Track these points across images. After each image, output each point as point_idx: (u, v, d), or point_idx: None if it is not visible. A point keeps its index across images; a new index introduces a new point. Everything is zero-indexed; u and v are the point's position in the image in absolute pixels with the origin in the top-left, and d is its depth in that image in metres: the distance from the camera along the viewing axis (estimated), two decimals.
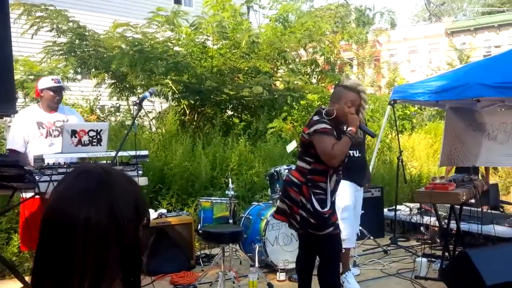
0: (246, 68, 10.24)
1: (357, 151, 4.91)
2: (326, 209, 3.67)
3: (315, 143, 3.63)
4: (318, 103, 11.33)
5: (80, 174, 1.20)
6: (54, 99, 4.69)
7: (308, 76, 12.41)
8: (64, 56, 9.01)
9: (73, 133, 4.17)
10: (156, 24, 9.51)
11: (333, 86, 12.79)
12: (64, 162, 4.19)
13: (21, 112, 4.77)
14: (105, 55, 8.68)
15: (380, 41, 22.94)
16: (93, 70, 9.26)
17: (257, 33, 10.66)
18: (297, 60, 12.18)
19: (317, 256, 3.96)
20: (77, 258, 1.10)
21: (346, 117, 3.71)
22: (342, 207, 4.80)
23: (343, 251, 4.64)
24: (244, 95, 9.28)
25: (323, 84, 12.37)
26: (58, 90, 4.72)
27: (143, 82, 8.92)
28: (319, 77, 12.94)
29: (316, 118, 3.73)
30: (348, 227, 4.83)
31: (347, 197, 4.87)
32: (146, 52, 8.57)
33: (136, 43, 8.75)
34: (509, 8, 33.74)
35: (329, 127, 3.63)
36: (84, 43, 8.94)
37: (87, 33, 9.06)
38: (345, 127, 3.75)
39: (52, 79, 4.73)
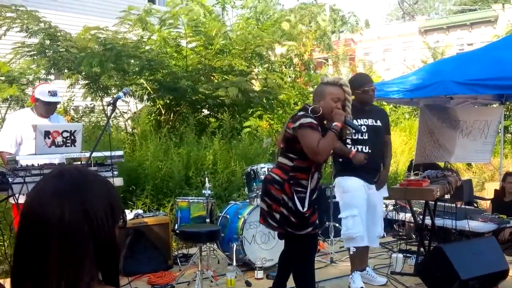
0: (221, 67, 10.21)
1: (367, 147, 4.63)
2: (305, 209, 3.63)
3: (300, 138, 3.57)
4: (295, 100, 11.39)
5: (55, 175, 1.22)
6: (48, 111, 4.75)
7: (283, 74, 12.45)
8: (33, 58, 8.88)
9: (46, 134, 4.11)
10: (129, 23, 9.42)
11: (309, 85, 12.91)
12: (38, 164, 4.13)
13: (15, 113, 4.92)
14: (76, 56, 8.57)
15: (354, 39, 23.14)
16: (65, 71, 9.14)
17: (231, 26, 10.66)
18: (272, 58, 12.20)
19: (292, 256, 3.87)
20: (52, 257, 1.12)
21: (332, 111, 3.67)
22: (352, 204, 4.59)
23: (354, 250, 4.70)
24: (220, 94, 9.26)
25: (298, 81, 12.43)
26: (52, 105, 4.75)
27: (117, 82, 8.83)
28: (295, 76, 13.00)
29: (301, 113, 3.69)
30: (358, 224, 4.55)
31: (356, 193, 4.61)
32: (116, 49, 8.48)
33: (107, 42, 8.66)
34: (481, 7, 34.31)
35: (315, 122, 3.59)
36: (56, 44, 8.82)
37: (58, 34, 8.94)
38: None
39: (49, 92, 4.70)
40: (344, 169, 4.68)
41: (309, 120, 3.57)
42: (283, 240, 3.91)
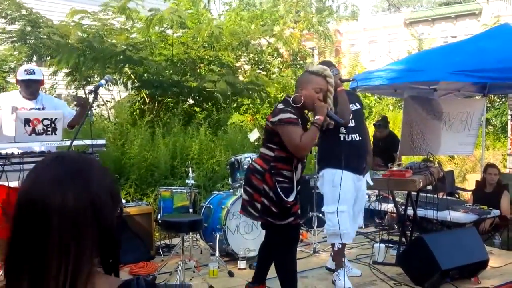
0: (208, 57, 10.15)
1: (357, 135, 4.44)
2: (290, 199, 3.61)
3: (281, 134, 3.56)
4: (281, 94, 11.35)
5: (55, 159, 1.18)
6: (27, 90, 4.62)
7: (270, 65, 12.41)
8: (13, 45, 8.75)
9: (27, 121, 4.06)
10: (112, 11, 9.29)
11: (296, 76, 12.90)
12: (18, 152, 4.07)
13: (1, 95, 4.83)
14: (58, 44, 8.43)
15: (340, 31, 23.14)
16: (48, 58, 9.02)
17: (219, 23, 10.58)
18: (259, 49, 12.15)
19: (273, 246, 3.85)
20: (52, 246, 1.08)
21: (314, 103, 3.64)
22: (341, 200, 4.26)
23: (339, 247, 4.60)
24: (206, 86, 9.20)
25: (284, 74, 12.40)
26: (29, 83, 4.61)
27: (99, 71, 8.72)
28: (282, 66, 12.97)
29: (280, 106, 3.65)
30: (345, 221, 4.37)
31: (346, 188, 4.35)
32: (96, 48, 8.38)
33: (88, 33, 8.54)
34: (466, 0, 34.46)
35: (294, 116, 3.55)
36: (38, 30, 8.69)
37: (40, 20, 8.81)
38: (314, 116, 3.68)
39: (25, 70, 4.61)
40: (331, 158, 4.42)
41: (287, 115, 3.55)
42: (285, 234, 3.77)
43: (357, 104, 4.59)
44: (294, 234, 3.82)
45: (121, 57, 8.62)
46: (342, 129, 4.36)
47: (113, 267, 1.20)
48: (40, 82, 4.78)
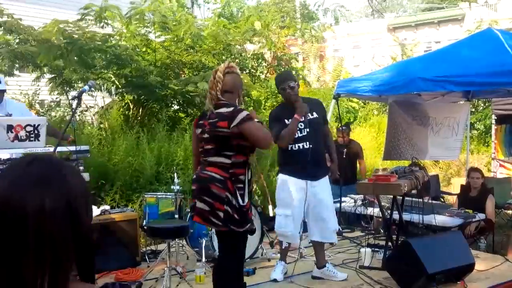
0: (191, 62, 10.11)
1: (307, 143, 4.70)
2: (245, 202, 3.61)
3: (248, 132, 3.52)
4: (265, 98, 11.37)
5: (31, 161, 1.14)
6: None
7: (255, 71, 12.41)
8: None
9: (9, 128, 4.01)
10: (90, 19, 9.20)
11: None
12: (1, 159, 4.02)
13: None
14: (35, 49, 8.35)
15: (324, 36, 23.23)
16: (29, 65, 8.90)
17: (202, 25, 10.56)
18: (243, 54, 12.15)
19: (227, 253, 3.73)
20: (29, 248, 1.05)
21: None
22: (286, 204, 4.79)
23: (287, 246, 5.04)
24: (189, 90, 9.17)
25: (269, 78, 12.41)
26: None
27: (83, 76, 8.64)
28: (267, 71, 12.98)
29: (230, 109, 3.58)
30: (289, 224, 4.80)
31: (293, 194, 4.75)
32: (78, 43, 8.31)
33: (70, 35, 8.46)
34: (448, 5, 34.84)
35: (247, 111, 3.64)
36: (18, 37, 8.59)
37: (21, 26, 8.71)
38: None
39: None
40: (286, 164, 4.87)
41: (245, 112, 3.57)
42: (242, 242, 3.74)
43: (314, 113, 4.83)
44: (245, 243, 3.79)
45: (111, 55, 8.55)
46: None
47: (89, 274, 1.18)
48: (4, 92, 4.81)
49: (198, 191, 3.65)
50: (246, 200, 3.63)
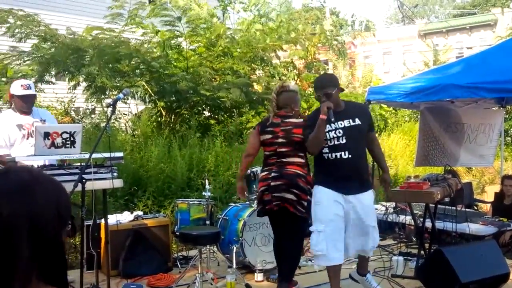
0: (222, 69, 10.20)
1: (346, 152, 4.19)
2: None
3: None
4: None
5: (3, 174, 1.23)
6: (23, 106, 4.67)
7: (286, 77, 12.44)
8: (34, 60, 8.89)
9: (46, 135, 4.10)
10: (122, 20, 9.38)
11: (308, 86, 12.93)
12: (38, 165, 4.13)
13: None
14: (84, 57, 8.57)
15: (354, 43, 23.13)
16: (66, 72, 9.12)
17: (233, 28, 10.66)
18: (273, 62, 12.19)
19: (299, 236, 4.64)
20: None
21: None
22: (320, 218, 4.21)
23: (317, 269, 4.97)
24: (221, 96, 9.25)
25: (299, 84, 12.42)
26: (27, 98, 4.66)
27: (117, 84, 8.81)
28: (297, 78, 12.99)
29: (301, 120, 4.53)
30: (321, 242, 4.16)
31: (326, 208, 4.20)
32: (110, 50, 8.47)
33: (100, 43, 8.65)
34: (480, 11, 34.36)
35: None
36: (53, 45, 8.81)
37: (56, 35, 8.93)
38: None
39: (22, 85, 4.65)
40: (321, 173, 4.37)
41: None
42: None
43: (357, 119, 4.28)
44: None
45: (139, 62, 8.71)
46: (326, 149, 4.24)
47: (58, 281, 1.22)
48: (35, 96, 4.89)
49: (288, 185, 4.39)
50: None
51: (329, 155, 4.23)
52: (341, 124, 4.23)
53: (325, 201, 4.21)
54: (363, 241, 4.37)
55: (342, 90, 4.51)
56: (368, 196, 4.35)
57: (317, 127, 4.07)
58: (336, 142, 4.22)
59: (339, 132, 4.22)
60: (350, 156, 4.20)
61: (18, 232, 1.13)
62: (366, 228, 4.33)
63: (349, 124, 4.25)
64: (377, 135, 7.75)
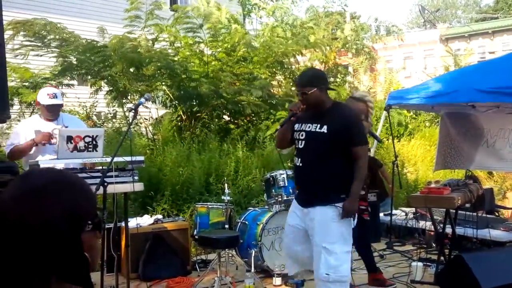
0: (242, 74, 10.25)
1: (299, 159, 3.86)
2: None
3: None
4: None
5: (21, 177, 1.26)
6: (50, 114, 4.74)
7: None
8: (59, 64, 9.04)
9: (69, 139, 4.17)
10: (140, 22, 9.48)
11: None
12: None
13: (24, 121, 4.84)
14: (109, 61, 8.70)
15: (375, 47, 23.00)
16: (88, 77, 9.26)
17: (255, 34, 10.71)
18: (293, 67, 12.21)
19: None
20: (2, 257, 1.13)
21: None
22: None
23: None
24: (242, 99, 9.30)
25: None
26: (52, 108, 4.73)
27: (139, 89, 8.91)
28: None
29: None
30: (283, 249, 4.27)
31: (288, 216, 4.10)
32: (132, 54, 8.59)
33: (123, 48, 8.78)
34: (503, 15, 33.96)
35: None
36: (76, 50, 8.96)
37: (80, 41, 9.09)
38: None
39: (48, 94, 4.71)
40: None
41: None
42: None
43: (325, 127, 3.72)
44: None
45: (160, 67, 8.80)
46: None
47: (82, 281, 1.22)
48: (61, 105, 4.94)
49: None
50: None
51: (295, 158, 3.96)
52: (307, 127, 3.81)
53: (289, 210, 4.12)
54: (315, 264, 3.75)
55: (330, 89, 4.10)
56: (322, 211, 3.72)
57: (282, 123, 3.90)
58: (298, 145, 3.87)
59: (302, 135, 3.83)
60: (301, 164, 3.84)
61: (28, 235, 1.14)
62: (316, 248, 3.72)
63: (313, 130, 3.78)
64: (396, 140, 7.70)
